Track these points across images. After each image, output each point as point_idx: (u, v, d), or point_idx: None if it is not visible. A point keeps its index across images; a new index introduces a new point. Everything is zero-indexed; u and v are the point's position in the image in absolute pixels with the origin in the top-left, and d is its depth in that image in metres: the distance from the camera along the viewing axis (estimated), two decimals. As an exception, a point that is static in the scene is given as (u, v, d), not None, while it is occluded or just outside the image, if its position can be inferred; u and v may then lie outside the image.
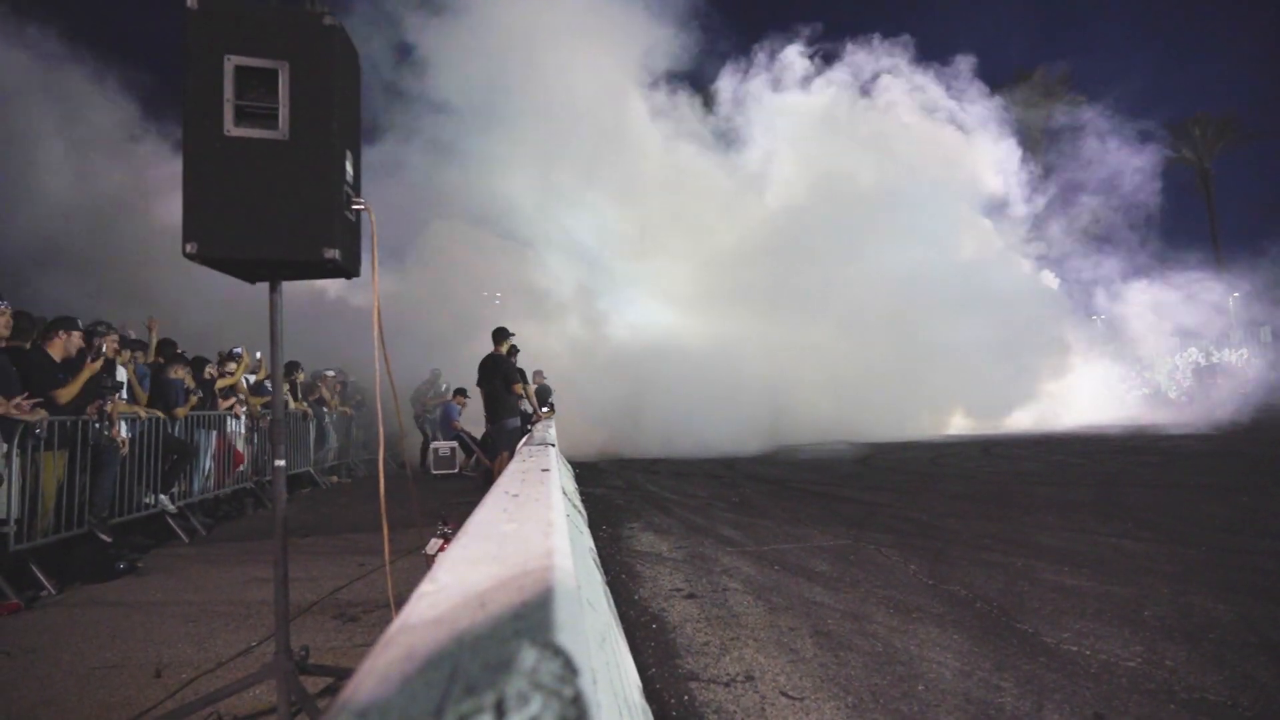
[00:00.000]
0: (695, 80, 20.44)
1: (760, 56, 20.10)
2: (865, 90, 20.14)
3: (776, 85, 19.90)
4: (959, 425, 17.64)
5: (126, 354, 6.60)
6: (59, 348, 5.27)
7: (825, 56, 20.29)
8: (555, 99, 17.46)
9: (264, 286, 2.64)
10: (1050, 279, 22.43)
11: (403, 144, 17.86)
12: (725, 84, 20.08)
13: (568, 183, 18.00)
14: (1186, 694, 2.63)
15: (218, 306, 10.49)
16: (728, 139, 19.91)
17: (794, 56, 20.00)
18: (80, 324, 5.56)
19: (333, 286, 12.73)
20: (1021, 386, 18.30)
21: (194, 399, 7.02)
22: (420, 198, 17.27)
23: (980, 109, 20.90)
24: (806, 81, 19.95)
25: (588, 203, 18.21)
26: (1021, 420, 18.08)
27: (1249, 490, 7.26)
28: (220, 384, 7.82)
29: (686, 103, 19.86)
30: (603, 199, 18.10)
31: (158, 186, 12.89)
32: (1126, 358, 23.64)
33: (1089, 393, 20.35)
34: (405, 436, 9.95)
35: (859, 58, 20.26)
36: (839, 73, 20.09)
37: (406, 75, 17.52)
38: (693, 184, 18.38)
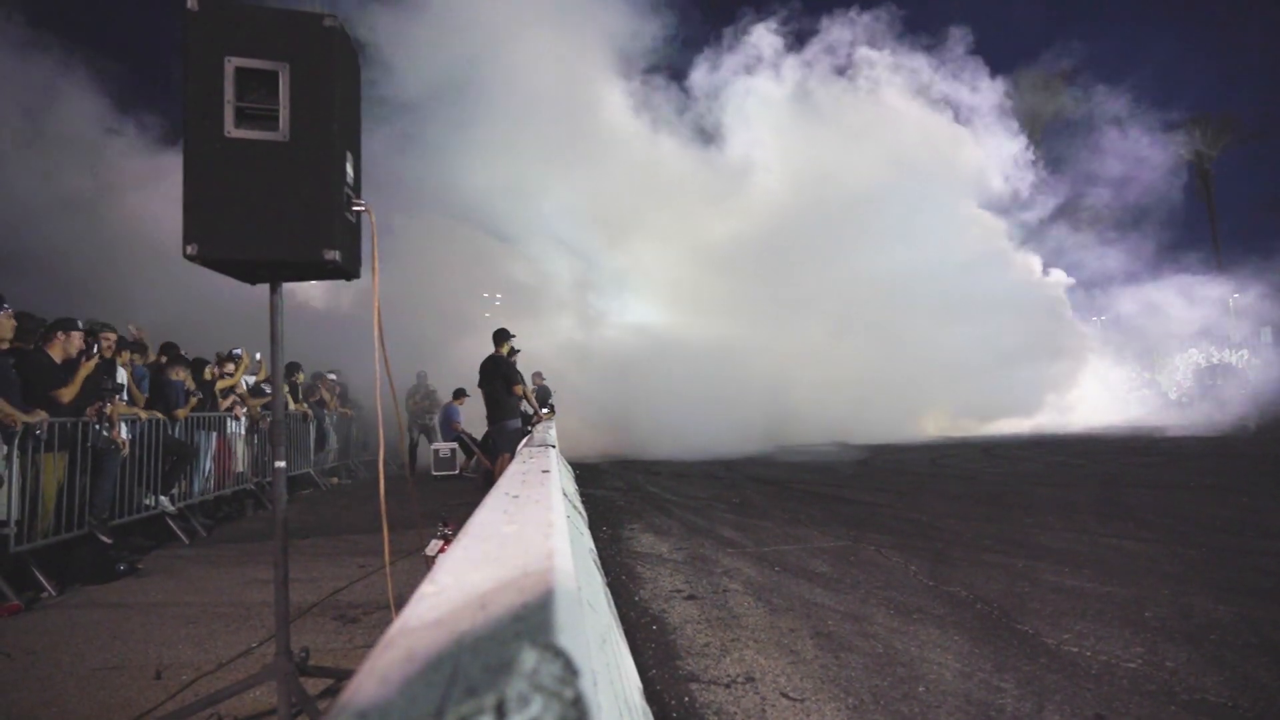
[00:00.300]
0: (687, 73, 20.28)
1: (757, 48, 19.91)
2: (866, 80, 19.90)
3: (772, 77, 19.71)
4: (960, 428, 17.58)
5: (126, 355, 6.60)
6: (59, 349, 5.28)
7: (822, 45, 20.04)
8: (536, 94, 17.20)
9: (264, 288, 2.65)
10: (1062, 277, 22.09)
11: (377, 136, 17.43)
12: (721, 77, 19.87)
13: (552, 181, 17.81)
14: (1187, 695, 2.63)
15: (215, 307, 10.47)
16: (723, 135, 19.71)
17: (792, 46, 19.82)
18: (80, 324, 5.56)
19: (323, 287, 12.61)
20: (1025, 390, 18.13)
21: (194, 400, 7.03)
22: (396, 192, 16.91)
23: (982, 102, 20.77)
24: (804, 70, 19.70)
25: (574, 201, 18.04)
26: (1024, 423, 18.00)
27: (1250, 491, 7.26)
28: (220, 385, 7.83)
29: (681, 99, 19.77)
30: (589, 196, 17.92)
31: (156, 186, 12.89)
32: (1127, 359, 23.62)
33: (1092, 396, 20.28)
34: (403, 440, 9.96)
35: (859, 48, 20.05)
36: (838, 61, 19.86)
37: (376, 67, 17.09)
38: (688, 182, 18.28)
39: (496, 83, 17.13)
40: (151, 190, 13.23)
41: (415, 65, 16.51)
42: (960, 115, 20.63)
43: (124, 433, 5.79)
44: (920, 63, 20.37)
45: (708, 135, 19.62)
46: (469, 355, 8.05)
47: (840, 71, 19.80)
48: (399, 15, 16.57)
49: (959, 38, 20.89)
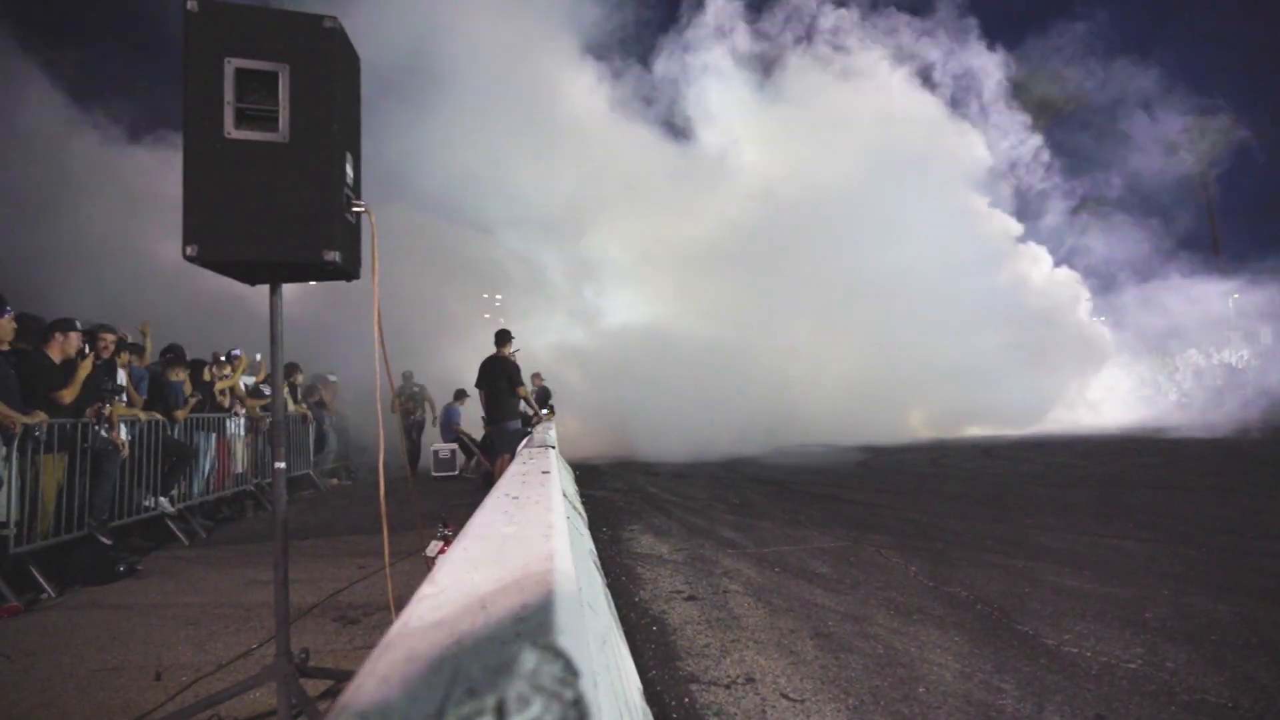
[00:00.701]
0: (678, 68, 20.14)
1: (756, 38, 19.72)
2: (872, 71, 19.72)
3: (769, 71, 19.60)
4: (960, 429, 17.49)
5: (125, 356, 6.60)
6: (57, 349, 5.27)
7: (825, 30, 19.89)
8: (525, 90, 17.09)
9: (263, 289, 2.65)
10: (1076, 279, 21.85)
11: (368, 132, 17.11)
12: (711, 68, 19.64)
13: (544, 179, 17.64)
14: (1187, 695, 2.63)
15: (215, 307, 10.46)
16: (714, 128, 19.55)
17: (790, 29, 19.70)
18: (79, 325, 5.56)
19: (308, 290, 12.49)
20: (1028, 398, 17.90)
21: (193, 401, 7.02)
22: (385, 185, 16.77)
23: (985, 92, 20.70)
24: (804, 62, 19.55)
25: (567, 199, 17.91)
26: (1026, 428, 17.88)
27: (1250, 491, 7.27)
28: (219, 385, 7.82)
29: (671, 91, 19.69)
30: (582, 194, 17.79)
31: (157, 188, 12.87)
32: (1127, 360, 23.56)
33: (1095, 398, 20.21)
34: (403, 441, 9.95)
35: (860, 35, 19.92)
36: (842, 46, 19.73)
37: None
38: (684, 179, 18.20)
39: (481, 79, 17.04)
40: (150, 190, 13.22)
41: (393, 57, 16.43)
42: (966, 113, 20.60)
43: (123, 434, 5.79)
44: (934, 57, 20.31)
45: (699, 128, 19.55)
46: (458, 354, 7.99)
47: (844, 58, 19.66)
48: (385, 10, 16.49)
49: (962, 27, 20.86)
